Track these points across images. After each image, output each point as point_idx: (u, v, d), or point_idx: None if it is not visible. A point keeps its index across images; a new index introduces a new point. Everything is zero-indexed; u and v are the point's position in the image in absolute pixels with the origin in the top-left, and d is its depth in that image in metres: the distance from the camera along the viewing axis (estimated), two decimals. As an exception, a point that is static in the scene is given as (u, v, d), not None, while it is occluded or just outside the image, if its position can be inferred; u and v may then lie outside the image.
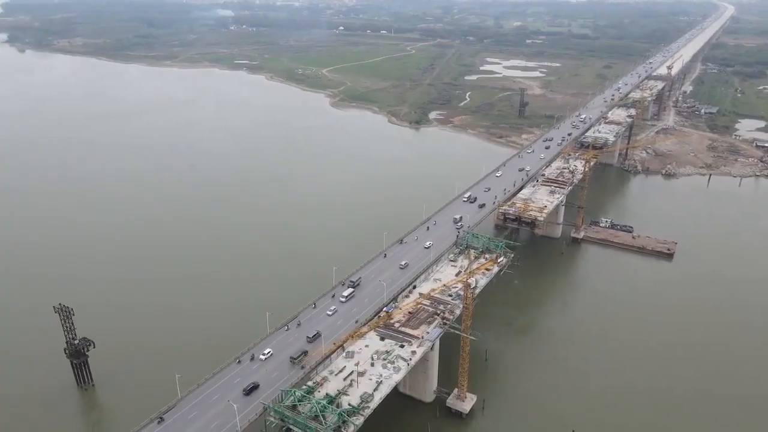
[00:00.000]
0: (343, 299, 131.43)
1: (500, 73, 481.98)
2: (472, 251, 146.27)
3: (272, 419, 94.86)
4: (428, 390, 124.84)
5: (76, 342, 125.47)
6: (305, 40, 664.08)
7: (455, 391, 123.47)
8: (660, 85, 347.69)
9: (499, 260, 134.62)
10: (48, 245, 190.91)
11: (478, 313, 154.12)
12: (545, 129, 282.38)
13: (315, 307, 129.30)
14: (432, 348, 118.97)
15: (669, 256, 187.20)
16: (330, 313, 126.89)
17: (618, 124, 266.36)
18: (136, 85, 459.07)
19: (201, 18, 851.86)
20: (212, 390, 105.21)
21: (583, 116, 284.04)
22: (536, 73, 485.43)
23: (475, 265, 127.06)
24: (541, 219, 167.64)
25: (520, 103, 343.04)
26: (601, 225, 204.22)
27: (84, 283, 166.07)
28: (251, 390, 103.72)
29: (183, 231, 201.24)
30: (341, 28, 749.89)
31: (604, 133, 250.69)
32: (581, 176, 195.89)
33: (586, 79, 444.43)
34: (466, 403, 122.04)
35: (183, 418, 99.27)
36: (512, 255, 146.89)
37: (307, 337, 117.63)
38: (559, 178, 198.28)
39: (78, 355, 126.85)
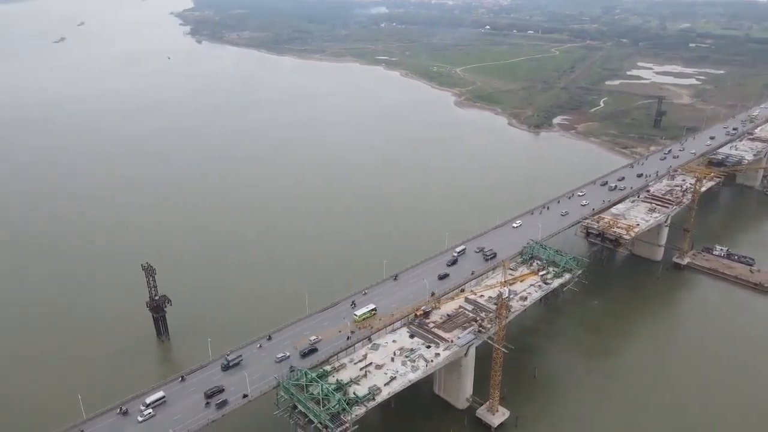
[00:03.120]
0: (145, 409, 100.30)
1: (648, 79, 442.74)
2: (536, 262, 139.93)
3: (282, 394, 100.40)
4: (461, 396, 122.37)
5: (157, 298, 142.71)
6: (449, 38, 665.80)
7: (488, 402, 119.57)
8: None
9: (541, 273, 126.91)
10: (150, 220, 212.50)
11: (540, 328, 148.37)
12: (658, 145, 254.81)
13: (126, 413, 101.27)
14: (466, 354, 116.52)
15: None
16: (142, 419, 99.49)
17: (765, 141, 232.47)
18: (285, 76, 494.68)
19: (357, 15, 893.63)
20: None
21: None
22: (691, 81, 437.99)
23: (509, 275, 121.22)
24: (627, 238, 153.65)
25: (656, 112, 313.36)
26: (714, 253, 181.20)
27: (168, 252, 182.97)
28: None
29: (272, 216, 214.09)
30: (487, 27, 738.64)
31: (742, 150, 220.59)
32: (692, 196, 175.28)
33: (751, 89, 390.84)
34: (497, 416, 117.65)
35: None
36: (579, 272, 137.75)
37: None
38: (666, 196, 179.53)
39: (158, 309, 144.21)
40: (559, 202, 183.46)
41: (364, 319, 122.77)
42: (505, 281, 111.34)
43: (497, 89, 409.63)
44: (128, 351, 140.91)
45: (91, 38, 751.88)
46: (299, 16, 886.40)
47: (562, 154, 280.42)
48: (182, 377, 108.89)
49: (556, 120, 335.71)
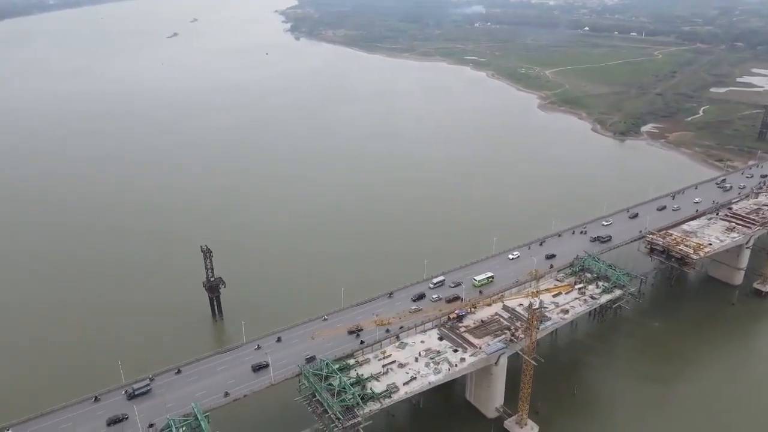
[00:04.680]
0: None
1: (761, 87, 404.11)
2: (586, 275, 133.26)
3: (304, 382, 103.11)
4: (491, 405, 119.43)
5: (213, 279, 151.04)
6: (543, 39, 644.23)
7: (517, 415, 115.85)
8: None
9: (578, 286, 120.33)
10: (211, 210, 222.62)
11: (590, 345, 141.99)
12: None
13: None
14: (496, 363, 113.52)
15: None
16: None
17: None
18: (370, 74, 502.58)
19: (452, 14, 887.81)
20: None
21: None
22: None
23: (543, 286, 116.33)
24: (695, 258, 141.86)
25: (762, 123, 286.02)
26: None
27: (225, 239, 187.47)
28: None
29: (331, 209, 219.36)
30: (586, 28, 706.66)
31: None
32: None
33: None
34: (524, 430, 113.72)
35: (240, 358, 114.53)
36: (632, 289, 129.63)
37: None
38: (750, 215, 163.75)
39: (213, 290, 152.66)
40: (612, 220, 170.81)
41: (482, 284, 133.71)
42: (536, 291, 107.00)
43: (586, 93, 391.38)
44: (187, 328, 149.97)
45: (201, 34, 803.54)
46: (397, 15, 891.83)
47: (643, 164, 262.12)
48: (96, 397, 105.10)
49: (646, 128, 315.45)
